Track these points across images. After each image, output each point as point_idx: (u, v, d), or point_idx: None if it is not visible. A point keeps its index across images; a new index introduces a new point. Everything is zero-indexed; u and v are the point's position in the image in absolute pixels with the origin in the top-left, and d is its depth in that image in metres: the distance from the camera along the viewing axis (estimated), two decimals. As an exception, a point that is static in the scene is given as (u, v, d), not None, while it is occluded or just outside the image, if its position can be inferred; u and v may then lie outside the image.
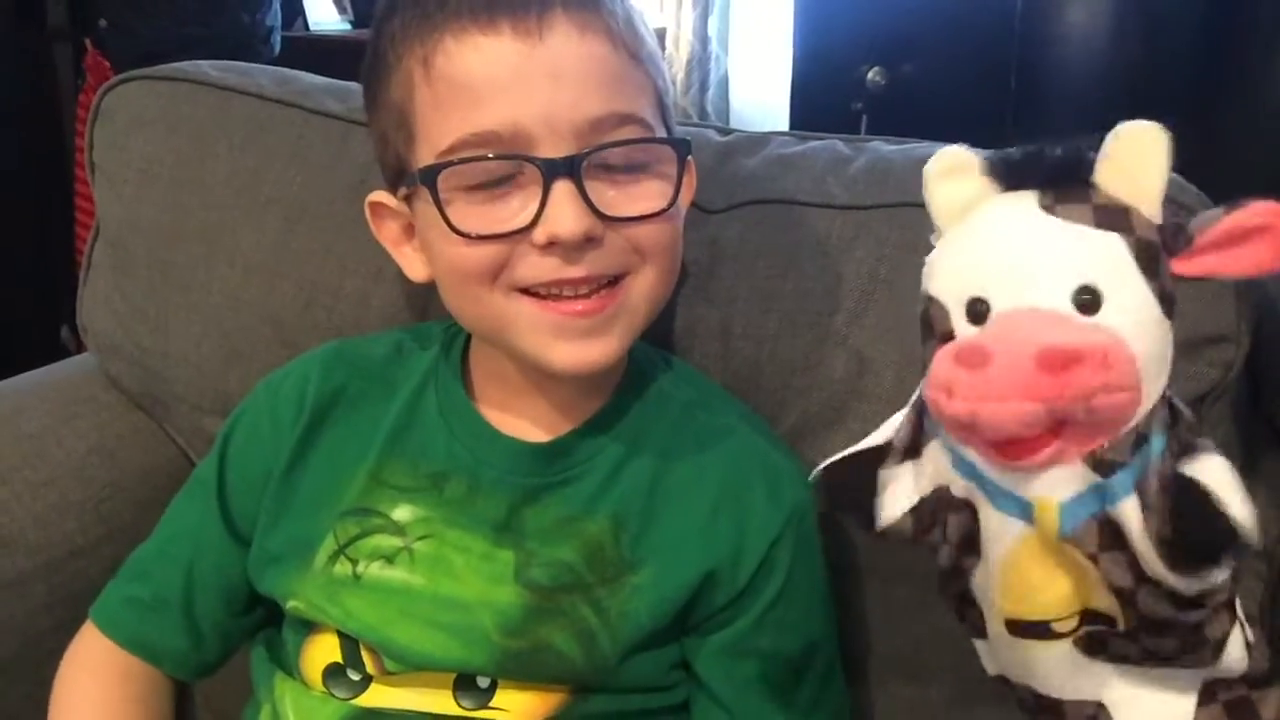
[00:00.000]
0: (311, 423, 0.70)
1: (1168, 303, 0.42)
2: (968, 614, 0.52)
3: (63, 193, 2.29)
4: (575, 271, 0.59)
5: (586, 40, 0.59)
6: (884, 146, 0.83)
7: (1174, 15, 1.47)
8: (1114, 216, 0.42)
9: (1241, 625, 0.46)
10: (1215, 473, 0.40)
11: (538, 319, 0.60)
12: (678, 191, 0.61)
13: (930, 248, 0.72)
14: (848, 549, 0.75)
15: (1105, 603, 0.44)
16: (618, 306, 0.60)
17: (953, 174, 0.47)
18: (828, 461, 0.53)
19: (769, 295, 0.76)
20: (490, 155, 0.58)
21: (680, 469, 0.66)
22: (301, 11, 2.83)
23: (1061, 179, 0.43)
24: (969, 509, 0.48)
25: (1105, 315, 0.40)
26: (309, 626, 0.68)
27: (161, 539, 0.73)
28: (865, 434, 0.73)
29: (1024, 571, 0.45)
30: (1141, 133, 0.42)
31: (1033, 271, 0.42)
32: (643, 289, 0.62)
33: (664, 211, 0.61)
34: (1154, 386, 0.42)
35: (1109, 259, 0.41)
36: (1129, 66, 1.47)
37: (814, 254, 0.76)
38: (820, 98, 1.87)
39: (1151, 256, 0.41)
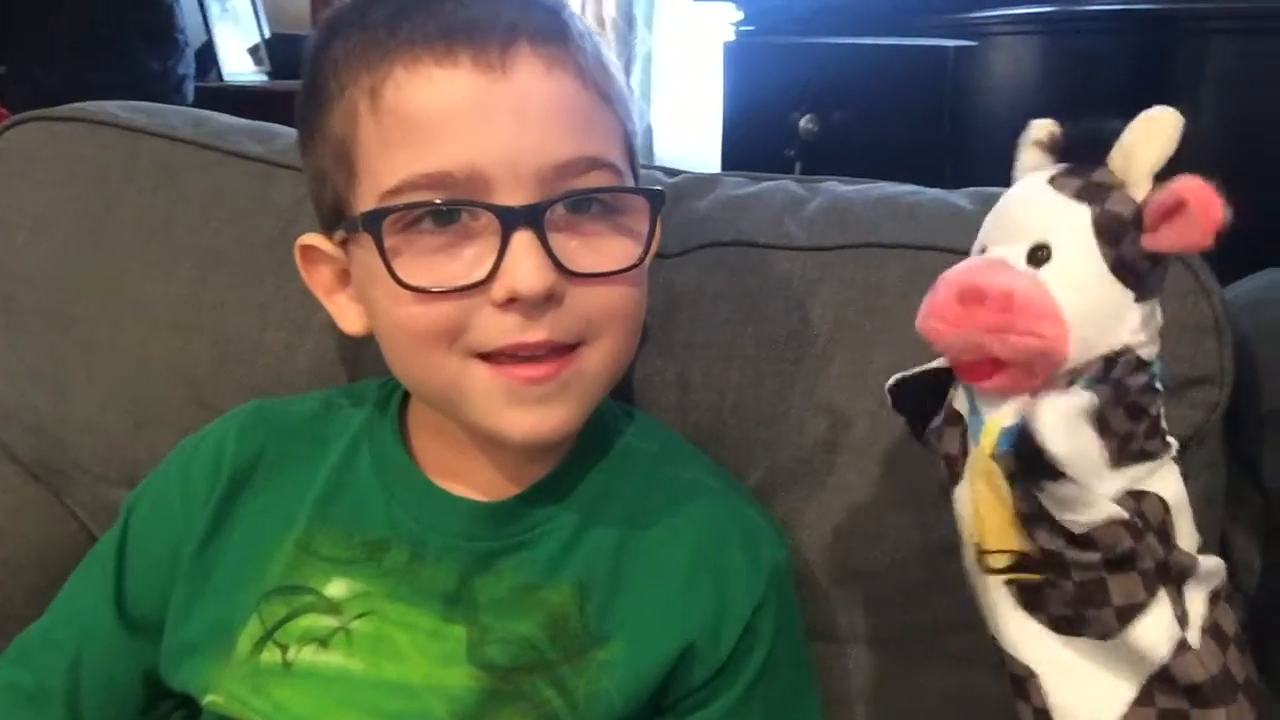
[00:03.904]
0: (228, 492, 0.63)
1: (1125, 269, 0.46)
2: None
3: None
4: (534, 335, 0.53)
5: (554, 76, 0.54)
6: (839, 186, 0.80)
7: (1101, 60, 1.49)
8: (1095, 191, 0.46)
9: (1180, 620, 0.47)
10: (1051, 407, 0.44)
11: (491, 385, 0.55)
12: (648, 247, 0.57)
13: (894, 288, 0.71)
14: (824, 611, 0.71)
15: (1028, 544, 0.47)
16: (574, 373, 0.56)
17: (1029, 145, 0.50)
18: (900, 376, 0.57)
19: (730, 343, 0.72)
20: (441, 200, 0.53)
21: (650, 530, 0.61)
22: (215, 62, 2.77)
23: (1084, 157, 0.47)
24: (962, 424, 0.51)
25: (1047, 269, 0.45)
26: None
27: (51, 619, 0.66)
28: (839, 489, 0.70)
29: (973, 492, 0.49)
30: (1154, 117, 0.45)
31: (1009, 229, 0.48)
32: (600, 359, 0.57)
33: (633, 268, 0.56)
34: (1093, 342, 0.46)
35: (1067, 224, 0.45)
36: (1059, 110, 1.49)
37: (776, 298, 0.72)
38: (752, 145, 1.87)
39: (1114, 227, 0.45)
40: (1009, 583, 0.49)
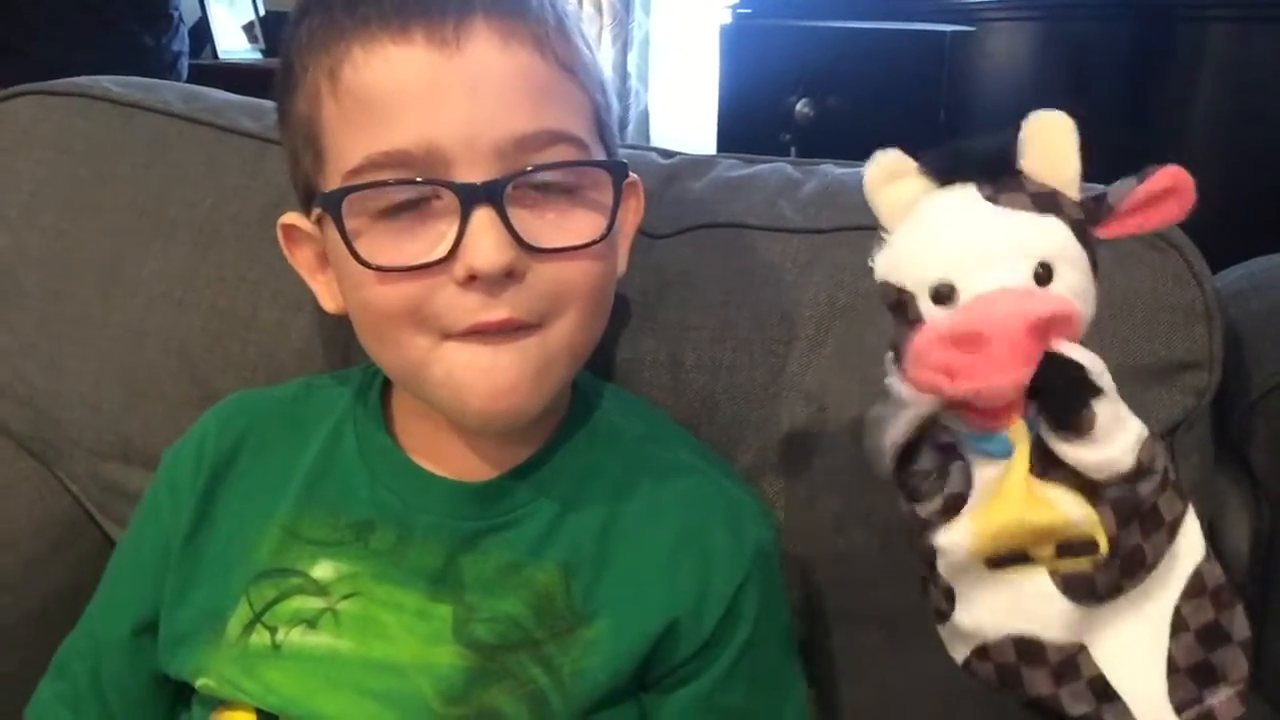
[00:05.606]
0: (211, 481, 0.63)
1: (1095, 267, 0.48)
2: (932, 585, 0.54)
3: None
4: (496, 314, 0.53)
5: (510, 49, 0.53)
6: (834, 169, 0.80)
7: (1098, 47, 1.48)
8: (1047, 201, 0.47)
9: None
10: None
11: (454, 366, 0.54)
12: (613, 221, 0.56)
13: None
14: (812, 591, 0.71)
15: (1079, 529, 0.47)
16: (537, 350, 0.55)
17: (892, 178, 0.50)
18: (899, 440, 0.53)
19: (722, 324, 0.72)
20: (400, 179, 0.52)
21: (634, 509, 0.61)
22: (210, 39, 2.75)
23: (994, 170, 0.47)
24: (960, 457, 0.50)
25: (1056, 285, 0.46)
26: (218, 702, 0.61)
27: (77, 629, 0.67)
28: (828, 470, 0.70)
29: (1005, 512, 0.48)
30: (1053, 121, 0.46)
31: (994, 256, 0.46)
32: (562, 338, 0.56)
33: (597, 243, 0.55)
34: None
35: (1056, 238, 0.46)
36: (1056, 96, 1.49)
37: (769, 280, 0.72)
38: (747, 129, 1.86)
39: (1084, 231, 0.47)
40: (1053, 574, 0.48)
